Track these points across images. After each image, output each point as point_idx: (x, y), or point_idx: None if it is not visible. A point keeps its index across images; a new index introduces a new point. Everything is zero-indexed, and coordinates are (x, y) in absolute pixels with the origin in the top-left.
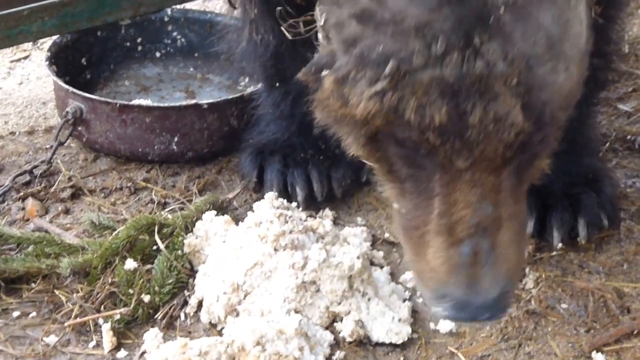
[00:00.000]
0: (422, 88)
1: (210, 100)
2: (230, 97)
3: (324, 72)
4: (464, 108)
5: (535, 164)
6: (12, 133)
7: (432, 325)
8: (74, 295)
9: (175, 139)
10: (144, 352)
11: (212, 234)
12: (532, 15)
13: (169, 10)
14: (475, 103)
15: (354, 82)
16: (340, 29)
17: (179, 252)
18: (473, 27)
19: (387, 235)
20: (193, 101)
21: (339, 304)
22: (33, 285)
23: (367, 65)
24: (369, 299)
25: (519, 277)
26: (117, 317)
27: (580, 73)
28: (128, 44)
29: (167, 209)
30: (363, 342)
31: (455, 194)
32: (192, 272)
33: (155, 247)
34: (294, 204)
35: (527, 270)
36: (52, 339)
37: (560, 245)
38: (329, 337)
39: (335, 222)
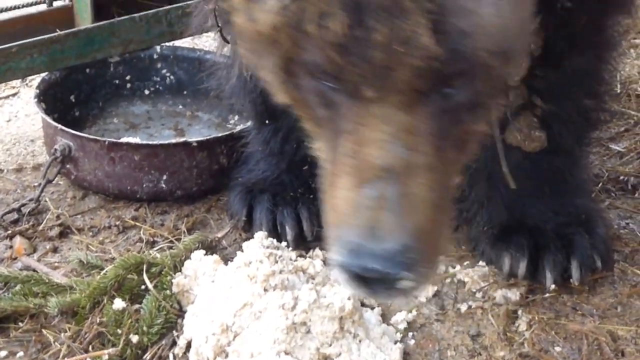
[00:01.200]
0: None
1: (200, 138)
2: (219, 134)
3: None
4: (368, 23)
5: (464, 118)
6: (0, 170)
7: None
8: (62, 335)
9: (164, 177)
10: None
11: (201, 274)
12: None
13: (158, 48)
14: (380, 18)
15: None
16: None
17: (168, 291)
18: None
19: None
20: (182, 139)
21: (330, 345)
22: (21, 324)
23: None
24: (359, 341)
25: (434, 245)
26: (106, 357)
27: (518, 17)
28: (117, 81)
29: (155, 248)
30: None
31: (364, 130)
32: (181, 312)
33: (143, 287)
34: (284, 244)
35: (519, 312)
36: None
37: (553, 287)
38: None
39: (325, 262)
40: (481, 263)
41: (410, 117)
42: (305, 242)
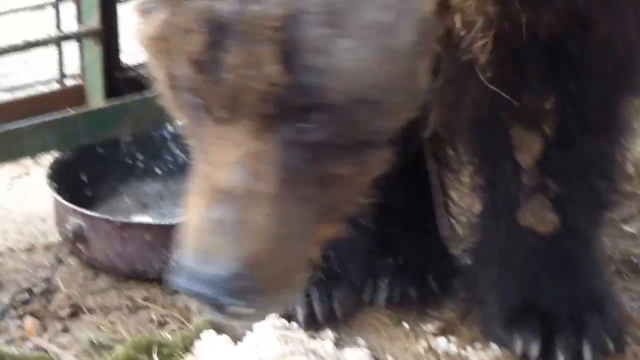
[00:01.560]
0: (192, 14)
1: None
2: None
3: None
4: (224, 44)
5: (324, 158)
6: (12, 250)
7: None
8: None
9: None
10: None
11: (211, 355)
12: None
13: (170, 127)
14: (234, 41)
15: (149, 12)
16: None
17: None
18: None
19: (389, 358)
20: None
21: None
22: None
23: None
24: None
25: (275, 277)
26: None
27: (390, 70)
28: (128, 160)
29: (166, 329)
30: None
31: (215, 151)
32: None
33: None
34: (295, 324)
35: None
36: None
37: None
38: None
39: (336, 343)
40: (493, 345)
41: (258, 144)
42: (316, 323)
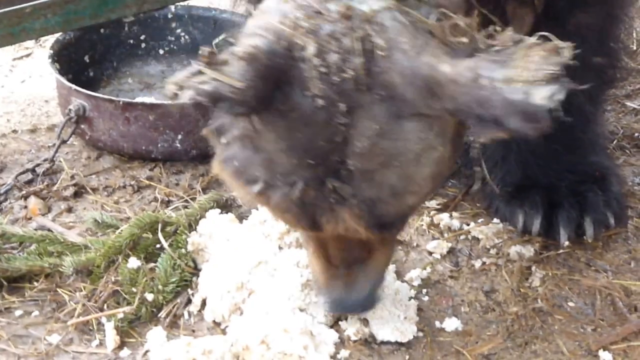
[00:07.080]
0: (282, 205)
1: None
2: None
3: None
4: (319, 218)
5: (396, 224)
6: (15, 131)
7: (437, 324)
8: (77, 294)
9: (179, 137)
10: (147, 351)
11: (216, 233)
12: (378, 174)
13: (172, 7)
14: (328, 218)
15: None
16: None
17: (183, 250)
18: (329, 177)
19: None
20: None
21: None
22: (35, 284)
23: (241, 177)
24: None
25: (384, 278)
26: (121, 315)
27: (423, 193)
28: (131, 41)
29: (170, 207)
30: (368, 341)
31: (324, 243)
32: (196, 271)
33: (158, 246)
34: None
35: (533, 268)
36: (54, 338)
37: (567, 243)
38: (334, 335)
39: None
40: (495, 220)
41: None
42: None
